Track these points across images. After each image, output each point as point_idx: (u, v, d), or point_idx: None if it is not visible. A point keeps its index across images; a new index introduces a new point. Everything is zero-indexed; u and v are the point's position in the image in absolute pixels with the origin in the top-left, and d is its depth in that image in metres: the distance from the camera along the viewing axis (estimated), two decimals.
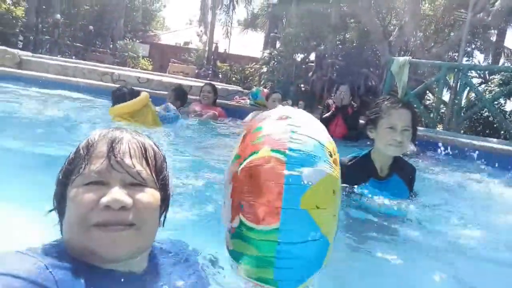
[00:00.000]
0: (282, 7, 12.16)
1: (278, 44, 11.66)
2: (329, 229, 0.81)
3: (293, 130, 0.82)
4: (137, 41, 22.87)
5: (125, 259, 0.78)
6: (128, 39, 21.69)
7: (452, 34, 12.62)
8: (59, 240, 0.82)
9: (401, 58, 7.44)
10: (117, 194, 0.76)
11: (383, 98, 2.23)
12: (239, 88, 9.80)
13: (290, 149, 0.78)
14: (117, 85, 7.26)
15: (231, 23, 21.17)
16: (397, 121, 2.01)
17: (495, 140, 6.02)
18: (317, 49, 9.94)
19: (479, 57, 16.91)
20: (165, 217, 0.92)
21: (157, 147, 0.91)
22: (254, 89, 7.00)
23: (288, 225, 0.76)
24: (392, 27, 13.21)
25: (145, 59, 21.58)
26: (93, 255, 0.75)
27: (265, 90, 6.69)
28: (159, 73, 12.51)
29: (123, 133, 0.86)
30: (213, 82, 8.61)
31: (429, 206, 2.25)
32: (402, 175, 2.19)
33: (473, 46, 15.95)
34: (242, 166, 0.82)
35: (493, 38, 15.16)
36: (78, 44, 20.59)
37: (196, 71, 18.75)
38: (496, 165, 4.29)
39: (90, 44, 21.61)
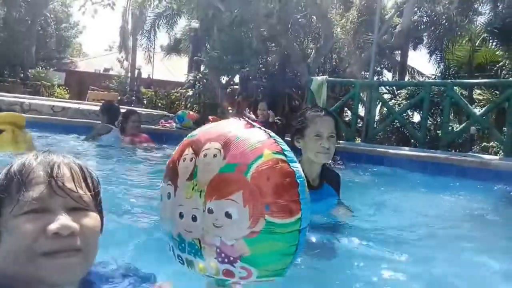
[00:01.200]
0: (204, 32, 12.32)
1: (202, 68, 11.72)
2: None
3: (270, 134, 0.92)
4: (51, 69, 21.43)
5: (70, 285, 0.77)
6: (41, 67, 20.24)
7: (363, 55, 13.78)
8: None
9: (319, 78, 7.91)
10: (65, 220, 0.74)
11: (307, 108, 2.32)
12: (165, 113, 9.60)
13: (284, 150, 0.90)
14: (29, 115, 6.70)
15: (154, 48, 20.85)
16: (323, 129, 2.07)
17: (406, 148, 6.58)
18: (240, 72, 10.17)
19: (387, 75, 18.64)
20: None
21: (90, 169, 0.89)
22: (179, 112, 6.91)
23: (304, 213, 0.88)
24: (309, 50, 14.05)
25: (61, 87, 20.26)
26: (40, 283, 0.73)
27: (191, 113, 6.63)
28: (76, 101, 11.82)
29: (59, 156, 0.84)
30: (136, 108, 8.33)
31: (360, 214, 2.37)
32: (330, 182, 2.26)
33: (382, 66, 17.56)
34: (252, 171, 0.86)
35: (398, 58, 16.86)
36: None
37: (119, 97, 18.06)
38: (409, 170, 4.71)
39: None
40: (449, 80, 6.80)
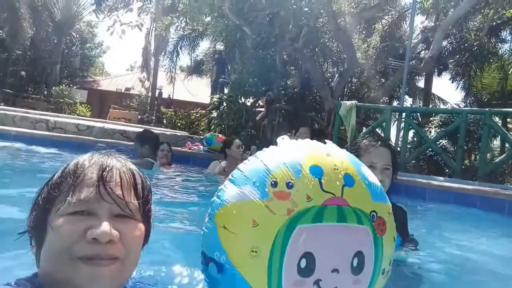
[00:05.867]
0: (228, 54, 12.34)
1: (226, 90, 11.69)
2: (241, 262, 0.76)
3: (256, 155, 0.85)
4: (75, 87, 21.84)
5: None
6: (64, 85, 20.63)
7: (382, 80, 13.56)
8: (33, 274, 0.78)
9: (348, 102, 7.71)
10: (105, 227, 0.73)
11: (362, 137, 2.19)
12: (187, 134, 9.49)
13: (237, 169, 0.84)
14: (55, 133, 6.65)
15: (175, 69, 21.08)
16: (377, 159, 1.93)
17: (441, 178, 6.26)
18: (266, 94, 10.07)
19: (408, 101, 18.33)
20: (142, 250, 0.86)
21: (145, 176, 0.85)
22: (207, 134, 6.74)
23: (205, 237, 0.82)
24: (328, 74, 13.94)
25: (83, 105, 20.56)
26: None
27: (220, 136, 6.45)
28: (100, 120, 11.86)
29: (113, 160, 0.81)
30: (157, 128, 8.22)
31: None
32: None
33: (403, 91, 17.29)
34: None
35: (419, 84, 16.58)
36: (7, 91, 19.14)
37: (139, 116, 18.20)
38: (445, 202, 4.41)
39: (21, 91, 20.20)
40: (487, 109, 6.48)
